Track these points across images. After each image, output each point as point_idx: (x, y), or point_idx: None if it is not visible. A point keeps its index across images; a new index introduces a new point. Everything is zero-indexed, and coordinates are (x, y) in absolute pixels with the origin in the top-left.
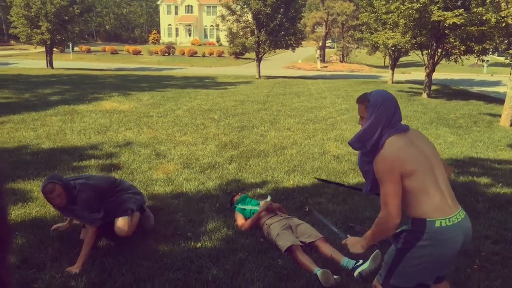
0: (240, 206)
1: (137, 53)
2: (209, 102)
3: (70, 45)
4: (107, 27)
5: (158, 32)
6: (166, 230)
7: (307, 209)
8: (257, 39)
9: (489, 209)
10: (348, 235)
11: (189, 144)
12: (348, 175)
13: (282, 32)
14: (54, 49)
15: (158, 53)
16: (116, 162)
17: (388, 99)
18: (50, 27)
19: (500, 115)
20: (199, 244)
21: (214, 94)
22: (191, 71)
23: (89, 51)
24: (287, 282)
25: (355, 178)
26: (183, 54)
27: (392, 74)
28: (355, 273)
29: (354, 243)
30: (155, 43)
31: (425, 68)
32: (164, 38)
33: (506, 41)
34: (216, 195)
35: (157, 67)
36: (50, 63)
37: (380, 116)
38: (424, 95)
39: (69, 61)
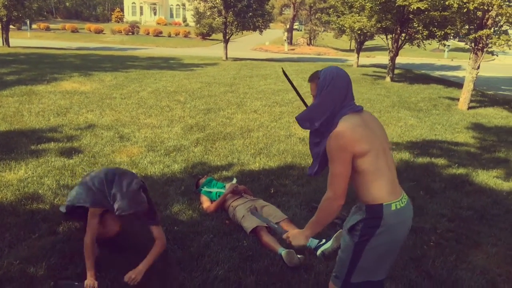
0: (205, 188)
1: (99, 32)
2: (175, 83)
3: (28, 22)
4: (67, 4)
5: (122, 10)
6: None
7: (272, 191)
8: (224, 19)
9: (445, 188)
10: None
11: (154, 127)
12: None
13: (250, 13)
14: (11, 27)
15: (121, 32)
16: (77, 145)
17: (340, 77)
18: (6, 2)
19: (458, 99)
20: (164, 228)
21: (180, 76)
22: (156, 51)
23: (48, 29)
24: (251, 263)
25: None
26: (148, 34)
27: (358, 57)
28: (318, 252)
29: (296, 235)
30: (118, 22)
31: (389, 52)
32: (128, 16)
33: (466, 27)
34: (181, 178)
35: (120, 47)
36: (6, 41)
37: (330, 94)
38: (388, 79)
39: (26, 39)
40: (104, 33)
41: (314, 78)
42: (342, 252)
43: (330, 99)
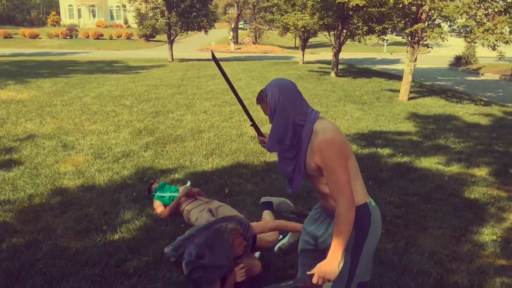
0: (159, 194)
1: (35, 36)
2: (120, 87)
3: None
4: None
5: (58, 13)
6: (79, 225)
7: (226, 191)
8: (167, 20)
9: (392, 177)
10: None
11: (100, 133)
12: (265, 154)
13: (194, 13)
14: None
15: (59, 36)
16: (17, 157)
17: (286, 87)
18: None
19: (399, 91)
20: (116, 237)
21: (124, 79)
22: (98, 55)
23: None
24: None
25: (272, 157)
26: (87, 37)
27: (303, 54)
28: (275, 248)
29: (330, 268)
30: (54, 26)
31: (332, 48)
32: (65, 20)
33: (403, 21)
34: (132, 185)
35: (58, 51)
36: None
37: (284, 107)
38: (333, 74)
39: None
40: (40, 38)
41: (261, 98)
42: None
43: (287, 112)
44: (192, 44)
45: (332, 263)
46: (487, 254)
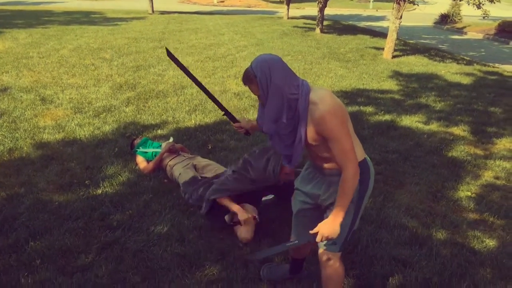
0: (141, 149)
1: None
2: (99, 40)
3: None
4: None
5: None
6: (61, 179)
7: (209, 147)
8: None
9: (373, 134)
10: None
11: (79, 87)
12: (248, 111)
13: None
14: None
15: None
16: None
17: (274, 62)
18: None
19: (383, 48)
20: (99, 191)
21: (103, 31)
22: (74, 5)
23: None
24: (194, 219)
25: (255, 114)
26: None
27: (288, 9)
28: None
29: (332, 228)
30: None
31: (318, 4)
32: None
33: None
34: (114, 140)
35: (32, 1)
36: None
37: (276, 85)
38: (317, 30)
39: None
40: None
41: (249, 78)
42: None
43: (280, 90)
44: None
45: (335, 222)
46: (461, 209)
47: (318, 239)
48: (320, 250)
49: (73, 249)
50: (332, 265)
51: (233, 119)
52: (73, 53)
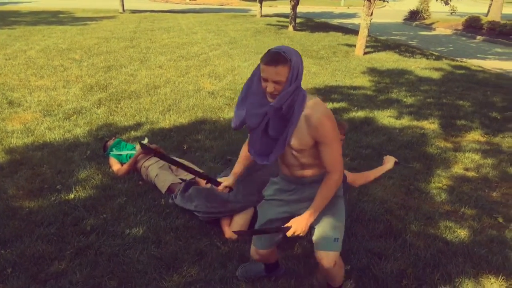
0: (115, 151)
1: None
2: (67, 40)
3: None
4: None
5: None
6: (31, 185)
7: (185, 148)
8: None
9: (347, 130)
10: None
11: (48, 89)
12: (223, 110)
13: None
14: None
15: None
16: None
17: (300, 56)
18: None
19: (355, 45)
20: (71, 196)
21: (72, 31)
22: (41, 5)
23: None
24: (170, 220)
25: (230, 113)
26: None
27: (261, 7)
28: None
29: (303, 225)
30: None
31: (290, 1)
32: None
33: None
34: (86, 143)
35: None
36: None
37: (300, 74)
38: (290, 28)
39: None
40: None
41: (284, 60)
42: (338, 217)
43: (299, 81)
44: None
45: (308, 221)
46: (433, 201)
47: (289, 233)
48: (324, 254)
49: (45, 256)
50: (338, 262)
51: (216, 183)
52: (41, 54)
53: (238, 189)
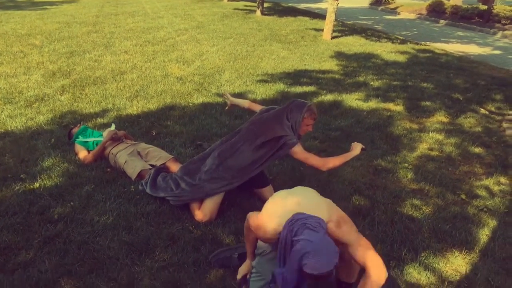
0: (81, 139)
1: None
2: (26, 25)
3: None
4: None
5: None
6: None
7: (154, 133)
8: None
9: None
10: None
11: (8, 76)
12: (192, 95)
13: None
14: None
15: None
16: None
17: None
18: None
19: (323, 30)
20: (36, 184)
21: (31, 16)
22: None
23: None
24: (141, 207)
25: (199, 98)
26: None
27: None
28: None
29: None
30: None
31: None
32: None
33: None
34: (50, 130)
35: None
36: None
37: None
38: (258, 13)
39: None
40: None
41: None
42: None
43: None
44: None
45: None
46: (399, 180)
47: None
48: None
49: (12, 245)
50: None
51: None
52: None
53: (209, 172)
